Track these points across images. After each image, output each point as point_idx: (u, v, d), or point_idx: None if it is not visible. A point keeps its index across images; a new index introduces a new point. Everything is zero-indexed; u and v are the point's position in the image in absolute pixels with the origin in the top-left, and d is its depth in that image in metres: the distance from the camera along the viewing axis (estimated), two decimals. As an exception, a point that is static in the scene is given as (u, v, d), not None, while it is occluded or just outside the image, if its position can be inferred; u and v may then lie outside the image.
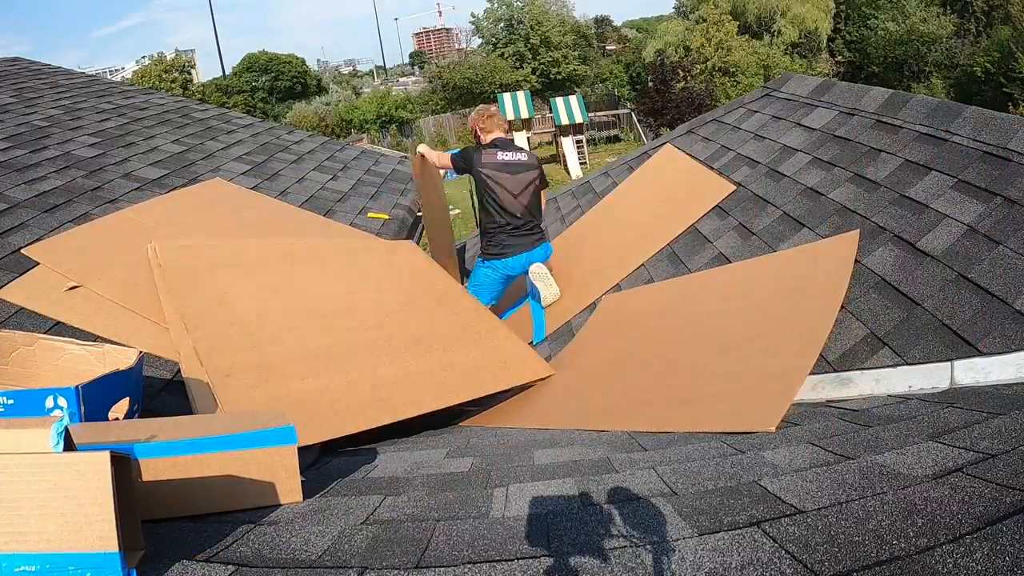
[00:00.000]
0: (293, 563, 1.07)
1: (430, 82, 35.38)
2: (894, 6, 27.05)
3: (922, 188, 2.26)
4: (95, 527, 0.98)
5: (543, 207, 3.70)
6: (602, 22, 44.18)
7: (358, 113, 29.89)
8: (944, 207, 2.12)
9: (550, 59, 33.35)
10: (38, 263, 2.42)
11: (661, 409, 2.06)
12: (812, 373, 1.99)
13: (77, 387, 1.49)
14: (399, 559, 1.04)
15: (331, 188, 4.33)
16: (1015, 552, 0.80)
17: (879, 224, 2.27)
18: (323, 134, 14.93)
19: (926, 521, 0.91)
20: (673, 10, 33.69)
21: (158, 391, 2.01)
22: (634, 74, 33.07)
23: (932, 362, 1.74)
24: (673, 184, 3.71)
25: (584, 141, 23.42)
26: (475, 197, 3.84)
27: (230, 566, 1.06)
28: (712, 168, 3.47)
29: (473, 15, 36.36)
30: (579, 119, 22.27)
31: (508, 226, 3.46)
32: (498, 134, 3.64)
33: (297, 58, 37.24)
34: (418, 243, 4.16)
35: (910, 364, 1.78)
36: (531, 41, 33.22)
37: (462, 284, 3.64)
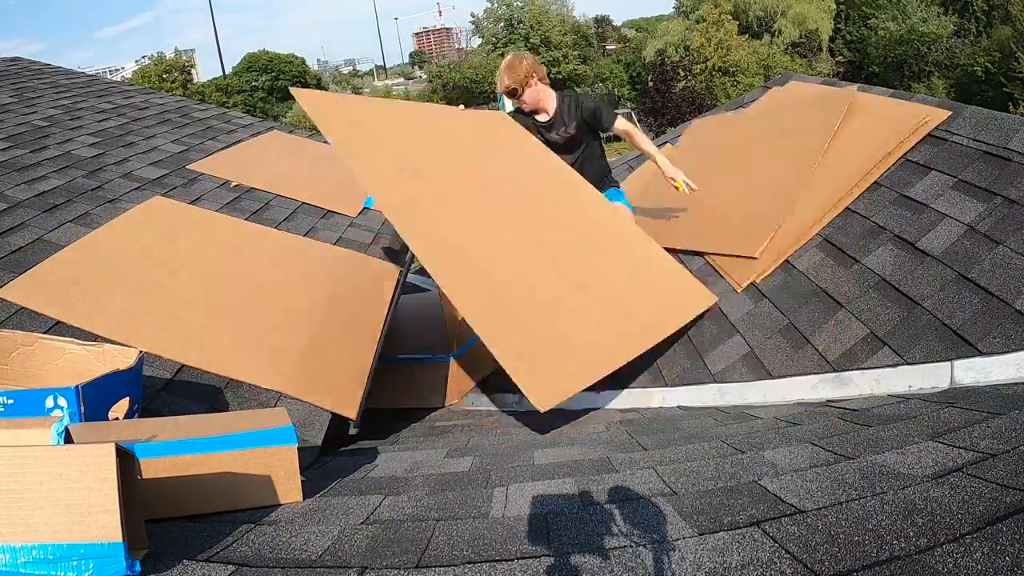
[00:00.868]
0: (293, 563, 1.07)
1: (430, 81, 35.38)
2: (894, 6, 27.03)
3: (922, 188, 2.26)
4: (99, 518, 0.98)
5: None
6: (602, 22, 44.14)
7: (358, 113, 29.81)
8: (944, 207, 2.12)
9: (550, 59, 33.32)
10: (38, 263, 2.42)
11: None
12: (812, 373, 1.99)
13: (77, 387, 1.49)
14: (399, 559, 1.05)
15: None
16: (1015, 552, 0.80)
17: (879, 224, 2.27)
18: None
19: (926, 521, 0.91)
20: (673, 10, 33.65)
21: (158, 391, 2.01)
22: (634, 74, 33.07)
23: (932, 362, 1.74)
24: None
25: (584, 141, 23.40)
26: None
27: (230, 566, 1.06)
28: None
29: (473, 15, 36.40)
30: (579, 119, 22.25)
31: None
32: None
33: (297, 58, 37.21)
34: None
35: (910, 364, 1.78)
36: (531, 41, 33.20)
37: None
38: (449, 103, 31.83)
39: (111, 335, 2.14)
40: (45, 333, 2.03)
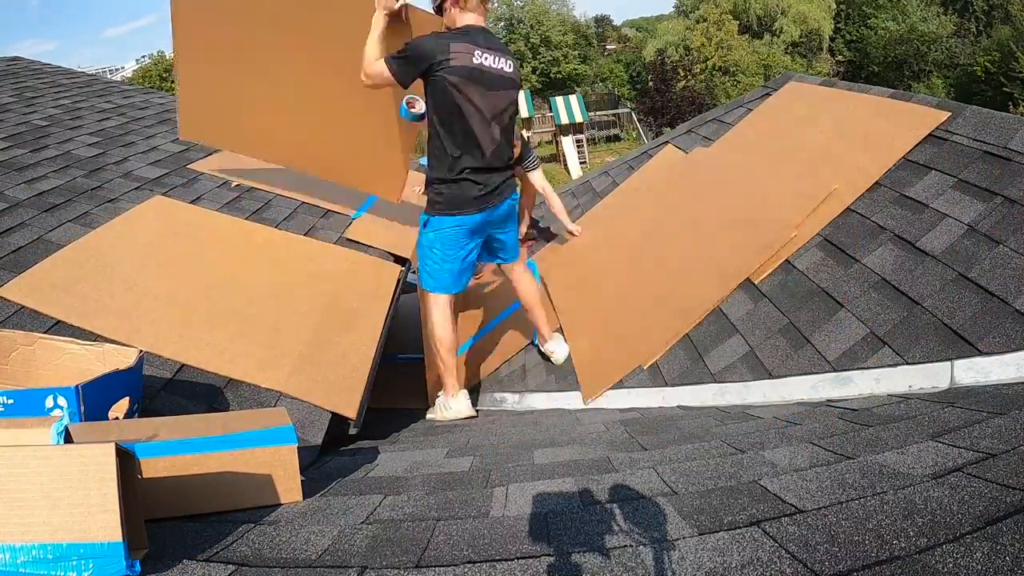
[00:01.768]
0: (293, 563, 1.07)
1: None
2: (894, 5, 27.05)
3: (922, 187, 2.26)
4: (99, 517, 0.98)
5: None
6: (602, 21, 44.18)
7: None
8: (944, 206, 2.12)
9: (550, 58, 33.34)
10: (38, 262, 2.42)
11: None
12: (812, 373, 1.99)
13: (77, 387, 1.49)
14: (399, 559, 1.05)
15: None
16: (1015, 552, 0.80)
17: (879, 223, 2.27)
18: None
19: (926, 521, 0.91)
20: (673, 9, 33.72)
21: (158, 390, 2.01)
22: (634, 73, 33.10)
23: (932, 362, 1.74)
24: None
25: (584, 140, 23.43)
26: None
27: (230, 565, 1.06)
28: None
29: (473, 14, 36.30)
30: (579, 118, 22.30)
31: (472, 168, 2.50)
32: (476, 19, 2.53)
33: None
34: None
35: (910, 364, 1.78)
36: (531, 40, 33.20)
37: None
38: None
39: (111, 335, 2.14)
40: (45, 333, 2.03)
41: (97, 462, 1.00)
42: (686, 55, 27.67)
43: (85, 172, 3.34)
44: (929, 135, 2.44)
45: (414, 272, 3.31)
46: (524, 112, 22.57)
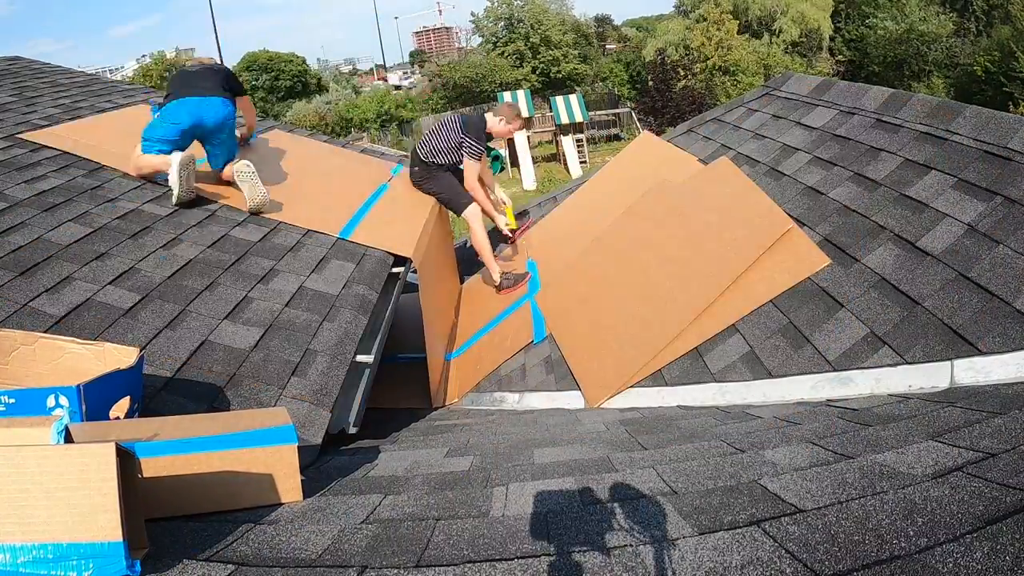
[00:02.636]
0: (293, 562, 1.07)
1: (430, 80, 35.35)
2: (893, 5, 27.04)
3: (922, 187, 2.26)
4: (99, 517, 0.98)
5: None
6: (602, 21, 44.18)
7: (358, 112, 29.88)
8: (944, 206, 2.12)
9: (550, 58, 33.29)
10: (38, 262, 2.42)
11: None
12: (812, 372, 1.99)
13: (78, 386, 1.49)
14: (399, 558, 1.05)
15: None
16: (1015, 551, 0.80)
17: (879, 223, 2.27)
18: (323, 133, 14.90)
19: (926, 520, 0.91)
20: (673, 9, 33.68)
21: (158, 390, 2.01)
22: (634, 73, 33.06)
23: (932, 361, 1.74)
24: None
25: (584, 140, 23.42)
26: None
27: (230, 565, 1.06)
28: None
29: (473, 14, 36.34)
30: (579, 118, 22.27)
31: None
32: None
33: (297, 57, 37.19)
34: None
35: (910, 363, 1.78)
36: (531, 40, 33.16)
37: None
38: (449, 102, 31.83)
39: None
40: (45, 333, 2.03)
41: (97, 462, 1.00)
42: (686, 55, 27.66)
43: (85, 172, 3.33)
44: (929, 135, 2.44)
45: (414, 272, 3.31)
46: (525, 112, 22.54)
